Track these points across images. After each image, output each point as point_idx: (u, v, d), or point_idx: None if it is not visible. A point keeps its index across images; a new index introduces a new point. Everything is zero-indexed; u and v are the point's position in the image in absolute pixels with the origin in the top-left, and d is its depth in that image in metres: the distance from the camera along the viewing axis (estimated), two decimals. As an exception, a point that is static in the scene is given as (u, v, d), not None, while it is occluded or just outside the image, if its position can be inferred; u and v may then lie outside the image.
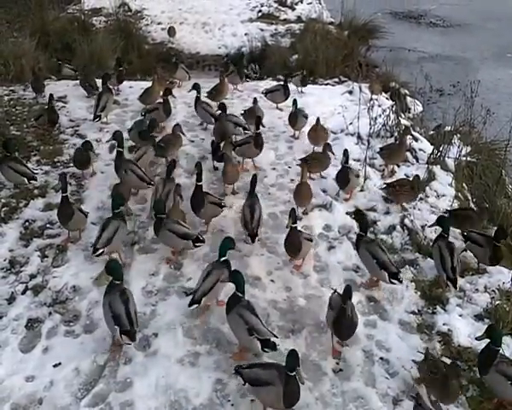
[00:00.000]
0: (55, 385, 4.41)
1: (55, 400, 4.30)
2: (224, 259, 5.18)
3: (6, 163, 6.76)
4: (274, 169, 7.65)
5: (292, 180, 7.35)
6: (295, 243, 5.56)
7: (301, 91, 10.09)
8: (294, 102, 8.36)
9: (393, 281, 5.34)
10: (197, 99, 8.56)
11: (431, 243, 6.05)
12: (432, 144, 8.14)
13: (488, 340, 4.39)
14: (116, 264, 4.86)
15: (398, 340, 5.01)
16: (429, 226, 6.01)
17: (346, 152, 6.84)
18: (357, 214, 5.83)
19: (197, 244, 5.73)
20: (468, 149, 8.07)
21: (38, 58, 11.11)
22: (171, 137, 7.49)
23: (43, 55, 11.31)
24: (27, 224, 6.31)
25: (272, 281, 5.59)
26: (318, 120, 7.92)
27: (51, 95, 8.32)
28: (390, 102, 9.30)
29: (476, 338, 4.55)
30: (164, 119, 8.47)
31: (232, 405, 4.32)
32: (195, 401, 4.34)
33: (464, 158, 7.83)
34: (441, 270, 5.48)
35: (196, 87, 8.60)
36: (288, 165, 7.71)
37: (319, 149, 7.53)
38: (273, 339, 4.60)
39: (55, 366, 4.58)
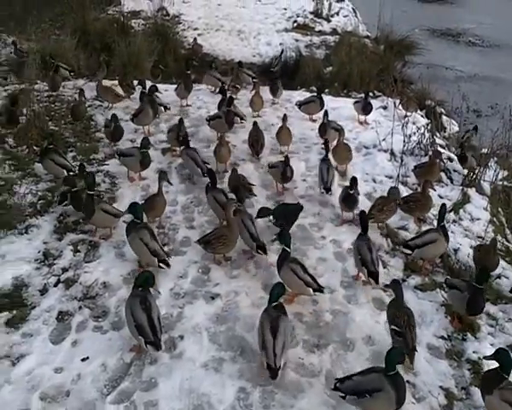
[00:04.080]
0: (82, 379, 4.47)
1: (82, 393, 4.35)
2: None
3: (47, 155, 6.94)
4: (304, 180, 7.65)
5: (322, 193, 7.33)
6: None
7: (365, 121, 9.49)
8: (325, 113, 8.39)
9: (317, 293, 5.36)
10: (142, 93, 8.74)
11: (463, 267, 5.99)
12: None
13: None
14: (149, 274, 4.84)
15: (426, 364, 4.89)
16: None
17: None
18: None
19: (161, 265, 5.60)
20: (505, 173, 7.94)
21: (78, 56, 11.36)
22: None
23: (83, 54, 11.55)
24: (61, 218, 6.44)
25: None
26: (340, 133, 7.80)
27: (113, 115, 8.04)
28: (425, 120, 9.23)
29: (484, 357, 4.52)
30: (227, 129, 8.26)
31: (254, 415, 4.29)
32: (218, 407, 4.32)
33: (501, 182, 7.70)
34: (359, 264, 5.65)
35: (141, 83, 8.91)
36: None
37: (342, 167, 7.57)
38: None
39: (83, 360, 4.64)
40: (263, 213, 6.29)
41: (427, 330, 5.29)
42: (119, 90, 9.71)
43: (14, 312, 5.06)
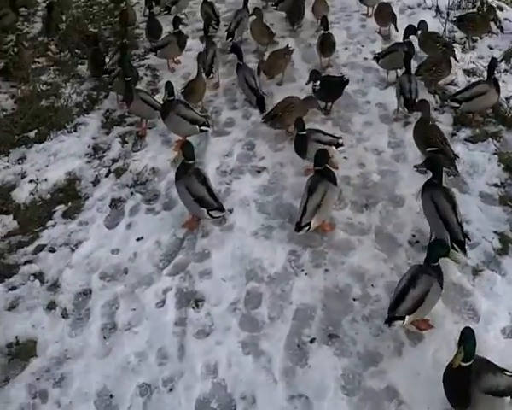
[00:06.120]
0: (138, 257, 4.67)
1: (139, 269, 4.56)
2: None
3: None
4: (346, 49, 7.40)
5: (365, 59, 7.08)
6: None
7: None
8: None
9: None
10: None
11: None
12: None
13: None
14: (190, 145, 4.94)
15: (479, 212, 4.79)
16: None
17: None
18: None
19: (203, 128, 5.75)
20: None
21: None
22: None
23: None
24: (108, 114, 6.61)
25: (345, 158, 5.52)
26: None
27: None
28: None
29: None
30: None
31: (306, 274, 4.38)
32: (270, 271, 4.43)
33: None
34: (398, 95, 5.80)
35: None
36: (361, 44, 7.41)
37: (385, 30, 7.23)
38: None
39: (137, 239, 4.84)
40: (313, 76, 6.08)
41: (479, 179, 5.15)
42: None
43: (70, 204, 5.30)
